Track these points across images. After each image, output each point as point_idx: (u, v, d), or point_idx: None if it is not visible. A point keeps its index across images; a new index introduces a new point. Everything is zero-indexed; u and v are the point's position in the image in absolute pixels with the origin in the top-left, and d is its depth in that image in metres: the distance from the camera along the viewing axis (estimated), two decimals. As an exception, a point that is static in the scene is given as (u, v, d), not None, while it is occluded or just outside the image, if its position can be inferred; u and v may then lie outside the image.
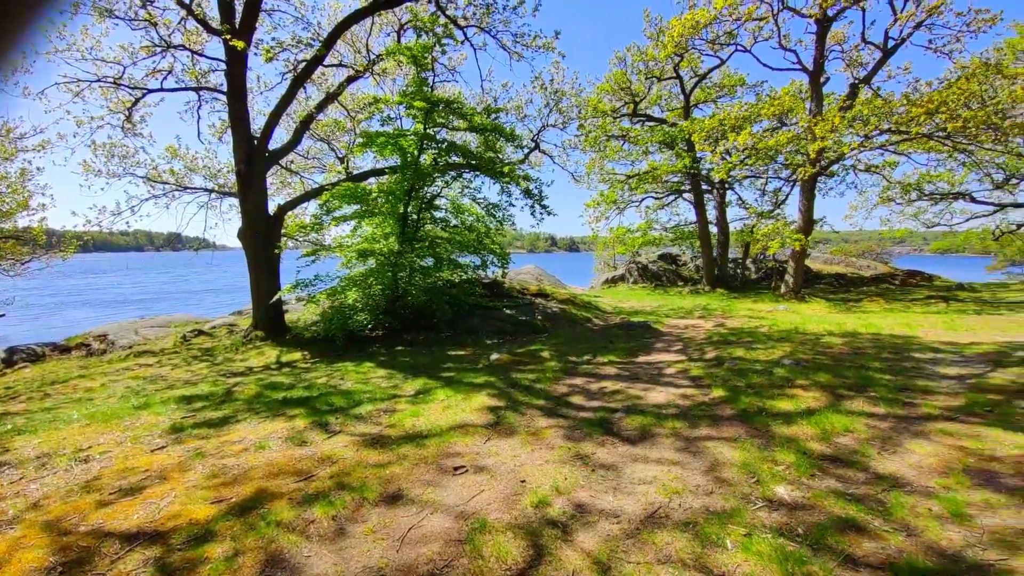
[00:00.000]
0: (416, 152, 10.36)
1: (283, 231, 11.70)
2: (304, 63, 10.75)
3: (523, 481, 3.47)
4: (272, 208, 11.13)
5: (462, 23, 11.56)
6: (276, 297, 10.17)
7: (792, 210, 18.52)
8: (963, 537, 2.67)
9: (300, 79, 10.76)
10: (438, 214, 11.51)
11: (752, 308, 13.41)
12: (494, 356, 7.55)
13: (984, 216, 22.59)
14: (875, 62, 14.77)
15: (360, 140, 10.98)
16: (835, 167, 17.47)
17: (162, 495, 3.39)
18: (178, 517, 3.08)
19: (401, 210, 10.31)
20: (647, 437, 4.25)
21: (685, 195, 20.89)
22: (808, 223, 15.77)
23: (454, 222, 11.49)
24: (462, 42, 12.51)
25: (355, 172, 13.51)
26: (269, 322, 10.58)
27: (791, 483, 3.33)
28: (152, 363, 8.97)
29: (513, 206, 11.41)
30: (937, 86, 13.43)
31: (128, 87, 11.58)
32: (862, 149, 15.02)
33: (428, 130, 10.33)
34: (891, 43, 14.20)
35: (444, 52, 12.60)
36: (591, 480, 3.47)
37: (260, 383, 6.84)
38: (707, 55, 17.18)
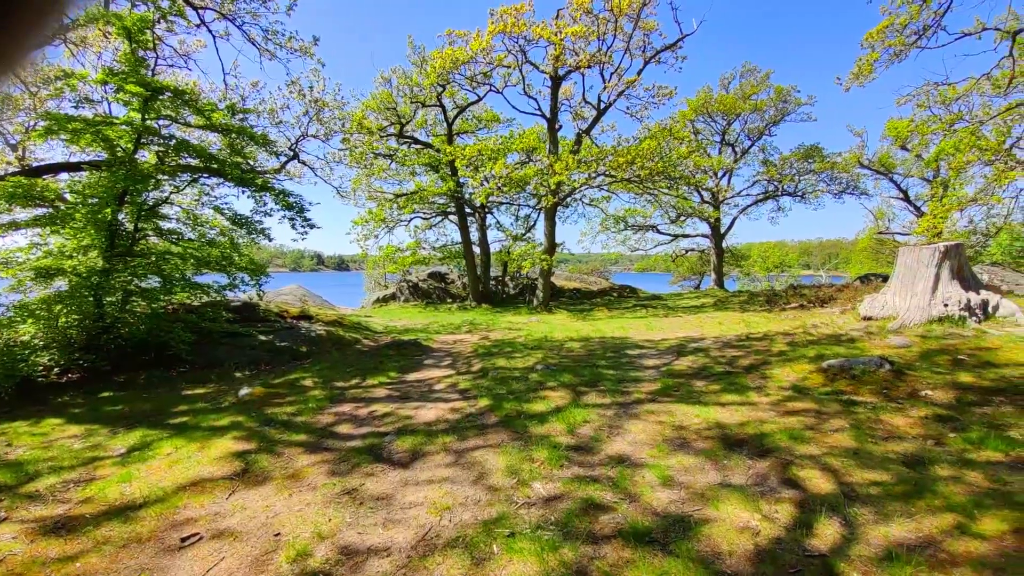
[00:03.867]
0: (131, 147, 8.36)
1: None
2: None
3: (277, 535, 3.00)
4: None
5: (198, 3, 9.91)
6: None
7: (540, 234, 21.43)
8: (668, 496, 3.36)
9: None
10: (167, 224, 9.47)
11: (512, 321, 14.85)
12: (244, 391, 6.50)
13: (665, 243, 30.22)
14: (592, 118, 18.29)
15: (44, 123, 8.29)
16: (569, 199, 20.92)
17: None
18: None
19: (109, 218, 8.13)
20: (419, 457, 4.20)
21: (451, 217, 22.04)
22: (551, 246, 18.36)
23: (190, 235, 9.61)
24: (198, 25, 10.73)
25: (36, 164, 10.14)
26: None
27: (545, 477, 3.70)
28: None
29: (270, 216, 10.17)
30: (633, 142, 17.35)
31: None
32: (587, 186, 18.38)
33: (149, 122, 8.46)
34: (603, 104, 17.80)
35: (172, 31, 10.62)
36: (359, 515, 3.23)
37: None
38: (467, 90, 18.62)
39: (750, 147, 27.21)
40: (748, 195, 27.81)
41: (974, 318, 7.86)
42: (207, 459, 4.24)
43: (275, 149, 12.80)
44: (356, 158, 18.62)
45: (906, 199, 26.12)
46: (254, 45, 10.83)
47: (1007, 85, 11.88)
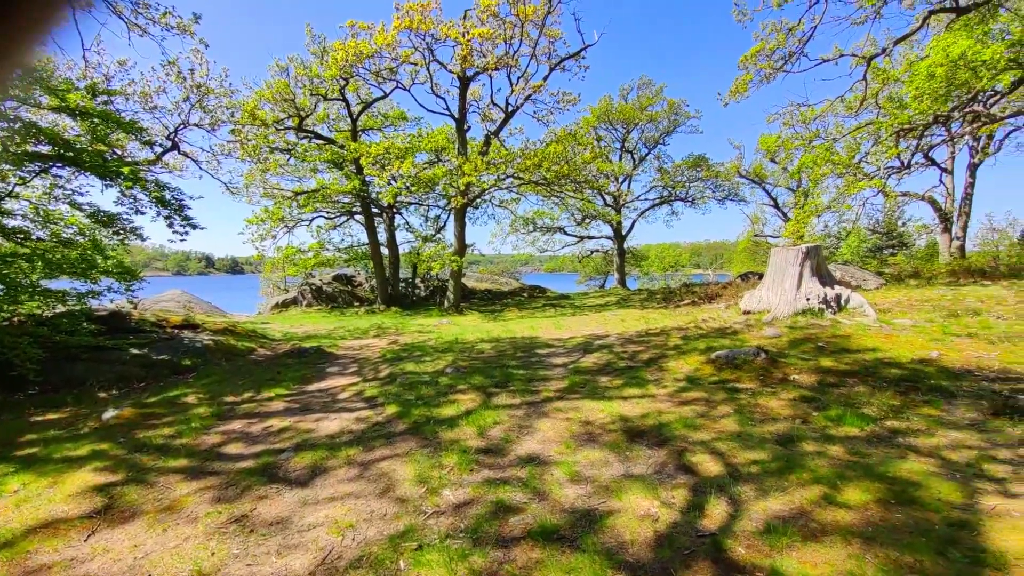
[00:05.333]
0: (-40, 130, 7.02)
1: None
2: None
3: (148, 577, 2.64)
4: None
5: (46, -33, 8.54)
6: None
7: (450, 235, 21.26)
8: (575, 492, 3.43)
9: None
10: (11, 222, 8.07)
11: (422, 323, 14.54)
12: (110, 413, 5.69)
13: (572, 244, 31.38)
14: (500, 120, 18.47)
15: None
16: (479, 200, 20.96)
17: None
18: None
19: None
20: (319, 473, 3.93)
21: (357, 217, 21.11)
22: (462, 247, 18.27)
23: (40, 234, 8.27)
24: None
25: None
26: None
27: (455, 484, 3.63)
28: None
29: (142, 214, 9.03)
30: (540, 145, 17.79)
31: None
32: (496, 188, 18.54)
33: (-18, 101, 7.15)
34: (510, 107, 18.03)
35: None
36: (249, 545, 2.93)
37: None
38: (372, 85, 17.94)
39: (647, 155, 29.14)
40: (646, 199, 29.77)
41: (830, 310, 9.02)
42: (61, 496, 3.63)
43: (148, 138, 11.39)
44: (248, 152, 17.10)
45: (776, 206, 29.49)
46: (121, 19, 9.54)
47: (859, 106, 13.82)
